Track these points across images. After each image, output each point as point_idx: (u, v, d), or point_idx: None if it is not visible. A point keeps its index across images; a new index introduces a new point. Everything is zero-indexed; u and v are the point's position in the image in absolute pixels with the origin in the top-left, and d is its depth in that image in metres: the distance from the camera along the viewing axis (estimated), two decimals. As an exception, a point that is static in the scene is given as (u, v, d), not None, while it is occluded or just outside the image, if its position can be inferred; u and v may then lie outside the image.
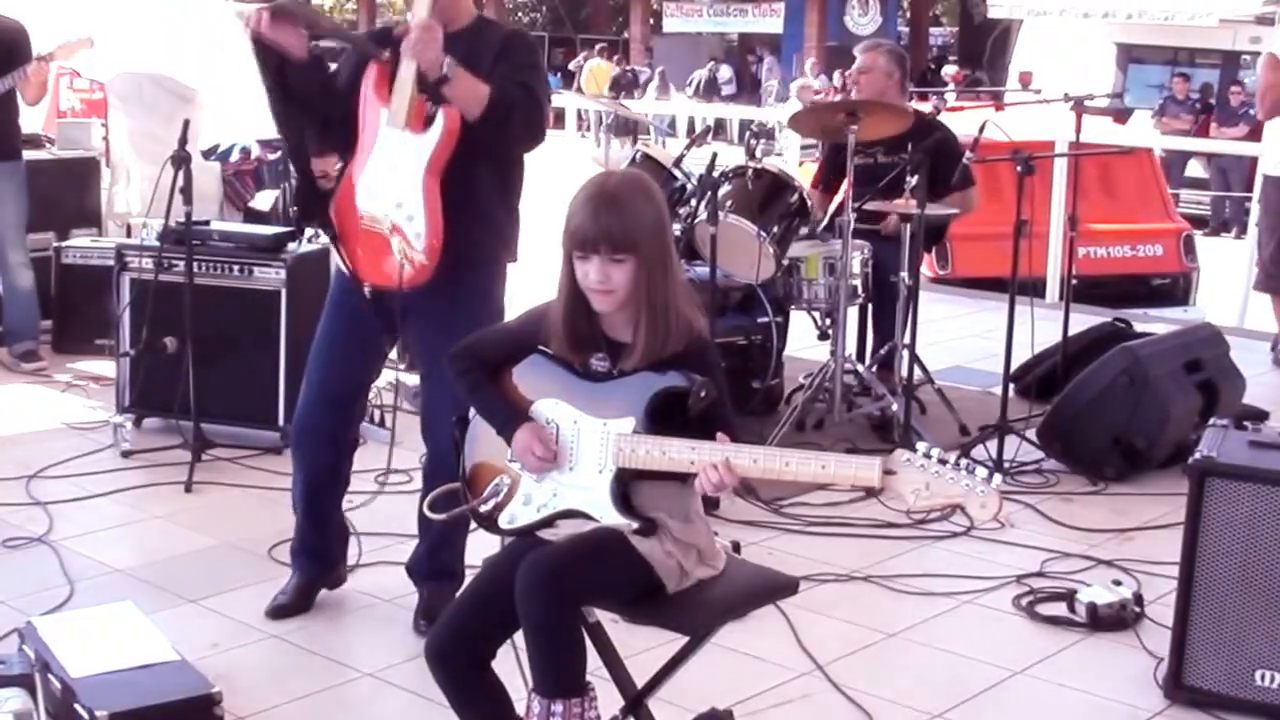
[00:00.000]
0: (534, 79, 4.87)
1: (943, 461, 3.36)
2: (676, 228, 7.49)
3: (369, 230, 4.91)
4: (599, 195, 3.66)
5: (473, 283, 5.01)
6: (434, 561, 5.27)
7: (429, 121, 4.80)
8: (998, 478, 3.37)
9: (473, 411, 3.94)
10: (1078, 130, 8.57)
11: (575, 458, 3.73)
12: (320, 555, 5.41)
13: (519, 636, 3.66)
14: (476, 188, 4.94)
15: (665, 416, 3.64)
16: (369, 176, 4.90)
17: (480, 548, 4.54)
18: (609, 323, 3.76)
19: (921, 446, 3.39)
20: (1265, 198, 9.57)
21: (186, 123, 6.93)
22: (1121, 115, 20.17)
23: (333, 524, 5.43)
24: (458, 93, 4.70)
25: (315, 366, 5.17)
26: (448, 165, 4.82)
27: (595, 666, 3.74)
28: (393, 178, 4.85)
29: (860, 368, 7.84)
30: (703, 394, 3.59)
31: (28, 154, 8.98)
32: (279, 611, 5.31)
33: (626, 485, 3.68)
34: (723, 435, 3.53)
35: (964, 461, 3.36)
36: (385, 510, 6.29)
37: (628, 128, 9.11)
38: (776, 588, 4.04)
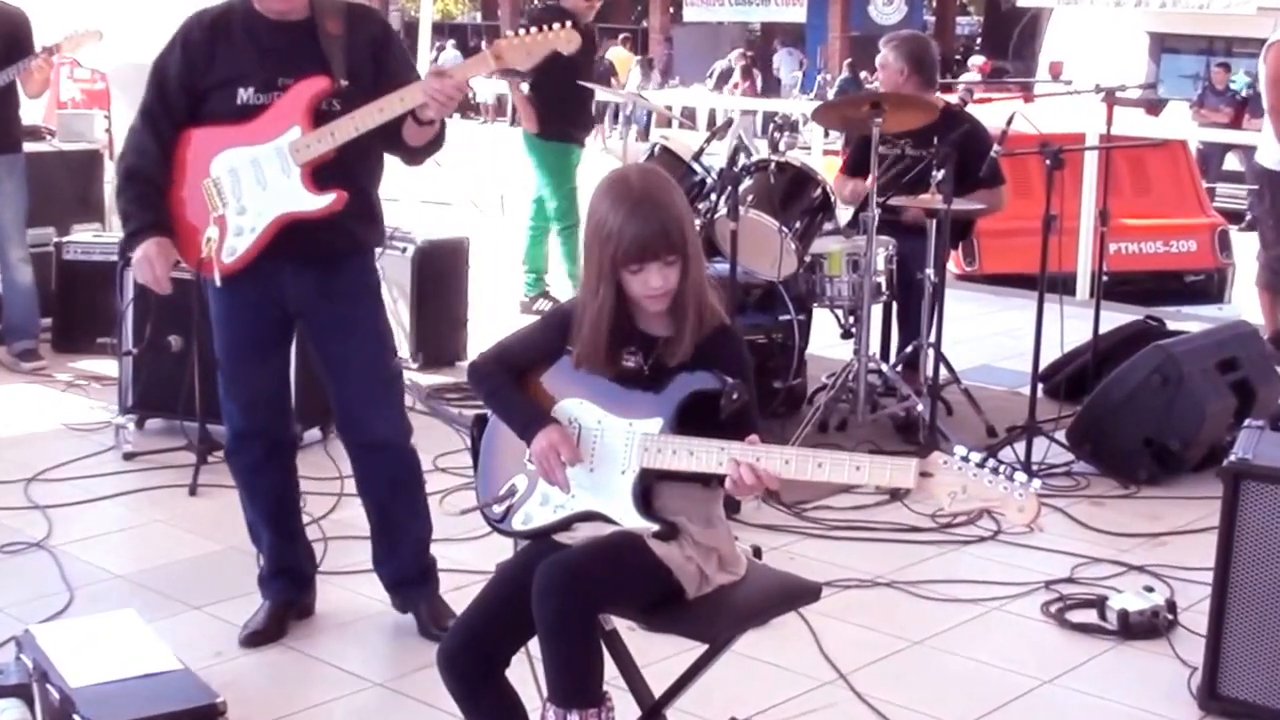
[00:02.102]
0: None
1: (980, 464, 3.36)
2: (697, 222, 7.49)
3: (202, 194, 4.90)
4: (636, 200, 3.64)
5: (361, 269, 5.07)
6: (423, 558, 5.29)
7: (320, 187, 4.80)
8: (1036, 482, 3.36)
9: (490, 412, 3.95)
10: (1109, 122, 8.55)
11: (597, 458, 3.74)
12: (297, 573, 5.40)
13: (534, 643, 3.66)
14: (372, 183, 5.05)
15: (693, 417, 3.64)
16: (239, 160, 4.85)
17: (493, 552, 4.54)
18: (643, 316, 3.77)
19: (959, 449, 3.39)
20: (1270, 191, 9.57)
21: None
22: (1155, 107, 20.14)
23: (301, 537, 5.44)
24: (430, 133, 4.81)
25: (240, 376, 5.17)
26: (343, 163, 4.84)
27: (612, 676, 3.74)
28: (254, 190, 4.84)
29: (884, 367, 7.84)
30: (735, 396, 3.59)
31: (28, 146, 9.00)
32: (254, 639, 5.22)
33: (648, 487, 3.69)
34: (753, 436, 3.53)
35: (1002, 465, 3.36)
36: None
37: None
38: (798, 594, 4.04)
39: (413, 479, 5.22)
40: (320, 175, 4.79)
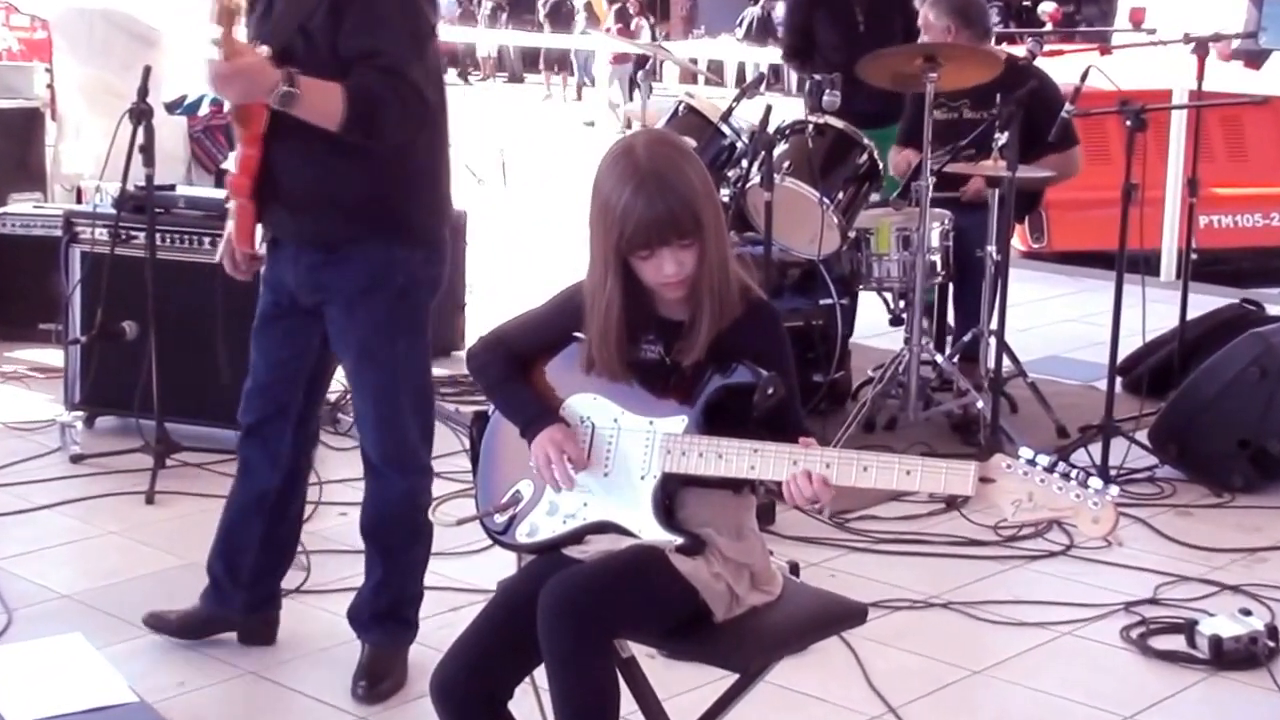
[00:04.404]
0: (394, 45, 4.73)
1: (1049, 469, 3.37)
2: (725, 193, 7.51)
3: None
4: (643, 177, 3.65)
5: (365, 266, 5.02)
6: (378, 602, 5.22)
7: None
8: (1114, 489, 3.37)
9: (493, 408, 3.97)
10: (1200, 77, 8.54)
11: (612, 462, 3.76)
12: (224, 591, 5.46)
13: (540, 672, 3.68)
14: (376, 168, 4.97)
15: (722, 414, 3.66)
16: None
17: (494, 568, 4.56)
18: (661, 300, 3.79)
19: (1025, 451, 3.40)
20: None
21: (147, 69, 6.95)
22: (1255, 59, 20.05)
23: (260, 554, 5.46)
24: (306, 114, 4.69)
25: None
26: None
27: (629, 710, 3.76)
28: None
29: (939, 358, 7.84)
30: (770, 391, 3.61)
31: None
32: (155, 621, 5.37)
33: (671, 495, 3.71)
34: (809, 440, 3.56)
35: (1075, 469, 3.37)
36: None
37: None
38: (842, 616, 4.06)
39: (396, 521, 5.14)
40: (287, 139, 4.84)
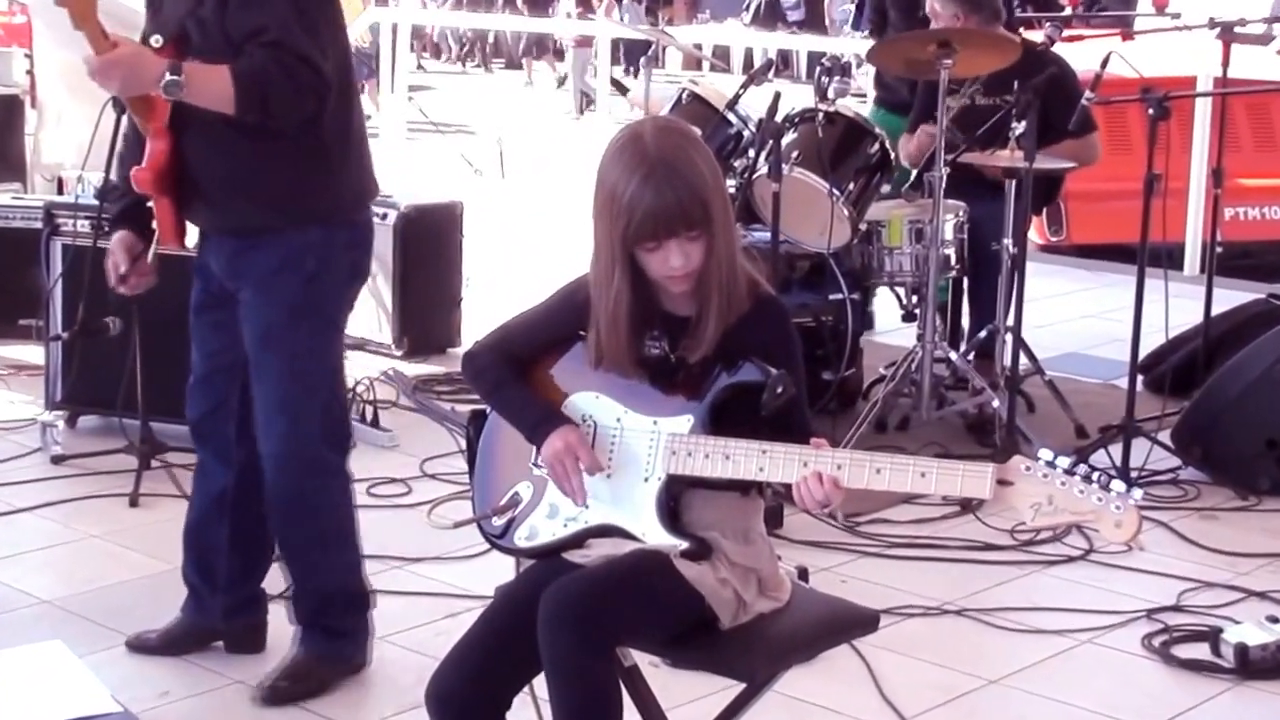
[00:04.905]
0: (277, 20, 4.72)
1: (1069, 470, 3.37)
2: (731, 184, 7.51)
3: None
4: (651, 166, 3.65)
5: (278, 251, 5.04)
6: (299, 608, 5.23)
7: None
8: (1137, 491, 3.37)
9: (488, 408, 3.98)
10: (1225, 63, 8.54)
11: (615, 463, 3.76)
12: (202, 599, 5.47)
13: (540, 681, 3.68)
14: (276, 154, 4.99)
15: (730, 414, 3.67)
16: None
17: (492, 573, 4.57)
18: (666, 295, 3.79)
19: (1044, 453, 3.41)
20: None
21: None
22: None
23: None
24: (197, 100, 4.70)
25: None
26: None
27: None
28: None
29: (954, 355, 7.85)
30: (779, 390, 3.61)
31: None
32: (140, 642, 5.40)
33: (676, 497, 3.72)
34: (820, 440, 3.56)
35: (1095, 471, 3.37)
36: (377, 528, 6.32)
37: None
38: (852, 623, 4.06)
39: (291, 520, 5.15)
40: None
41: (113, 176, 5.46)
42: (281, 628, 5.36)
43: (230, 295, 5.06)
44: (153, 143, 4.89)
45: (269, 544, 5.36)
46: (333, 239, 5.00)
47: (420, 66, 31.91)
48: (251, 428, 5.17)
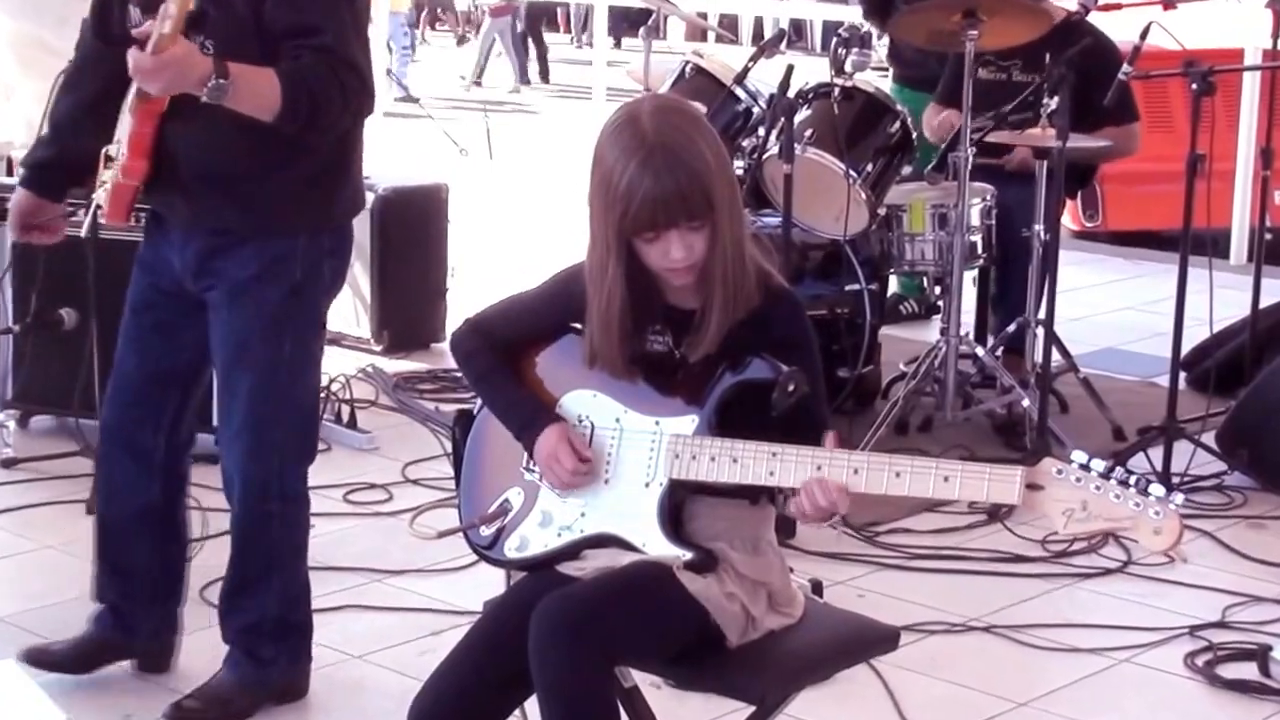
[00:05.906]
0: (332, 21, 4.64)
1: (1104, 475, 3.38)
2: (740, 165, 7.51)
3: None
4: (650, 150, 3.63)
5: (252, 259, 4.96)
6: (228, 625, 5.18)
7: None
8: (1178, 497, 3.37)
9: (478, 405, 3.97)
10: (1276, 34, 8.54)
11: (613, 467, 3.76)
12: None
13: (532, 704, 3.69)
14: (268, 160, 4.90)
15: (737, 414, 3.67)
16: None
17: (480, 586, 4.57)
18: (669, 287, 3.80)
19: (1077, 456, 3.41)
20: None
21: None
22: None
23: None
24: (240, 106, 4.55)
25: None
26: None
27: (632, 744, 3.78)
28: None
29: (980, 351, 7.86)
30: (791, 388, 3.61)
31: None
32: (35, 656, 5.22)
33: (679, 504, 3.72)
34: (831, 436, 3.56)
35: (1133, 476, 3.37)
36: (356, 538, 6.33)
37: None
38: (870, 641, 4.07)
39: (250, 546, 5.10)
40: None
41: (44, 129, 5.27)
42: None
43: (186, 295, 4.96)
44: (139, 126, 4.75)
45: (186, 557, 5.33)
46: (317, 246, 4.92)
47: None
48: (181, 437, 5.15)
